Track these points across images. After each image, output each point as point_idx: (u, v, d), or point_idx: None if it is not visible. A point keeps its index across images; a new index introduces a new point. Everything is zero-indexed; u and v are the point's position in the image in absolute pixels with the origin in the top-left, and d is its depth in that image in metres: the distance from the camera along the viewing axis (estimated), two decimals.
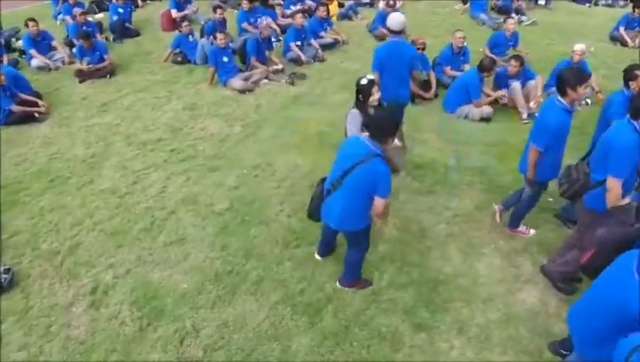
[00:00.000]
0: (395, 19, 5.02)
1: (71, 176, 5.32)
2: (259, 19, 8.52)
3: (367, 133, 3.35)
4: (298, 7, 10.56)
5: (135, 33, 10.05)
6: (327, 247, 4.03)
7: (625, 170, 3.11)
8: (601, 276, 2.36)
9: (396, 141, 3.36)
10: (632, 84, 4.19)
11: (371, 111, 3.97)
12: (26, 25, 8.19)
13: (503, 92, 6.64)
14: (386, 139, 3.18)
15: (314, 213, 3.62)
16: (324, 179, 3.58)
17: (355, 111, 4.00)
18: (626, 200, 3.13)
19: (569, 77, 3.52)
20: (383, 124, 3.18)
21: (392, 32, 5.06)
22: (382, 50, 5.15)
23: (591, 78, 5.87)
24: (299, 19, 8.52)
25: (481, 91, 6.49)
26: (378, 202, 3.16)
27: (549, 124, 3.64)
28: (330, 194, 3.34)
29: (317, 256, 4.08)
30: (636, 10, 9.59)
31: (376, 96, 3.87)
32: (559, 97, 3.59)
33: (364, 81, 3.98)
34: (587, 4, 13.03)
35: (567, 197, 3.60)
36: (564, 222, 4.49)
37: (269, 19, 8.76)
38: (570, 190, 3.46)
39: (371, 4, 12.16)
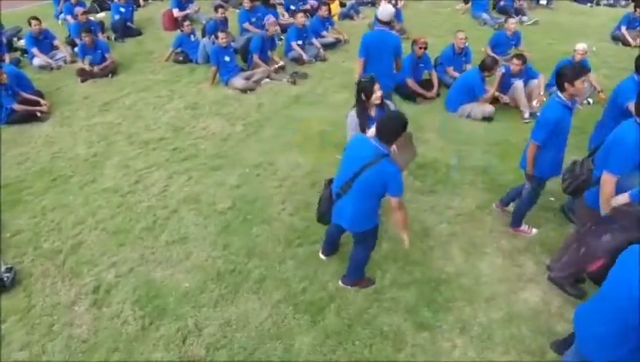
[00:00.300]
0: (384, 10, 5.22)
1: (73, 175, 5.32)
2: (266, 18, 8.53)
3: (369, 133, 3.34)
4: (300, 7, 10.56)
5: (137, 32, 10.07)
6: (331, 246, 4.03)
7: (622, 167, 3.11)
8: (608, 279, 2.34)
9: (394, 147, 3.33)
10: None
11: (373, 110, 3.96)
12: (29, 23, 8.20)
13: (502, 70, 6.64)
14: (393, 140, 3.17)
15: (324, 216, 3.60)
16: (330, 181, 3.58)
17: (353, 113, 3.98)
18: (625, 198, 3.11)
19: (566, 72, 3.57)
20: (391, 125, 3.14)
21: (380, 22, 5.25)
22: (368, 38, 5.37)
23: (590, 74, 5.89)
24: (300, 19, 8.52)
25: (484, 89, 6.50)
26: (393, 202, 3.17)
27: (547, 118, 3.70)
28: (341, 198, 3.34)
29: (321, 256, 4.07)
30: (638, 9, 9.59)
31: (378, 93, 3.85)
32: (559, 93, 3.63)
33: (365, 79, 3.97)
34: (589, 4, 13.03)
35: (569, 193, 3.61)
36: (569, 216, 4.48)
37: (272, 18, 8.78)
38: (573, 185, 3.48)
39: (373, 4, 12.17)
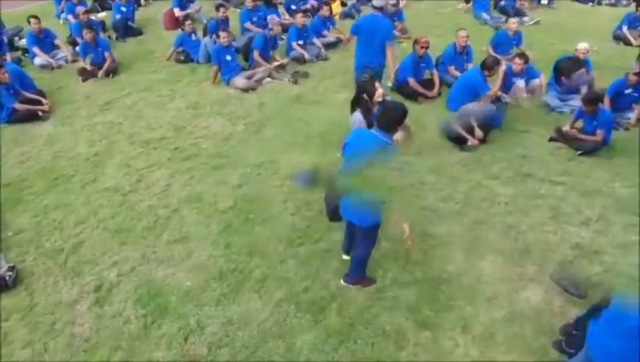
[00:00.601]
0: None
1: (75, 175, 5.32)
2: (269, 18, 8.52)
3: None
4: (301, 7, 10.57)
5: (138, 32, 10.05)
6: (351, 244, 3.96)
7: None
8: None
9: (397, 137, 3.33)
10: None
11: (376, 109, 3.94)
12: (29, 22, 8.20)
13: (503, 66, 6.65)
14: (395, 129, 3.17)
15: (335, 214, 3.58)
16: None
17: (358, 113, 3.97)
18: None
19: (563, 65, 3.57)
20: (392, 114, 3.14)
21: (374, 7, 5.81)
22: (361, 21, 6.09)
23: (591, 72, 5.90)
24: (299, 19, 8.51)
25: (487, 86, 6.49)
26: None
27: None
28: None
29: (344, 256, 4.01)
30: (639, 9, 9.57)
31: (380, 90, 3.85)
32: (558, 87, 3.63)
33: (365, 79, 3.95)
34: (590, 4, 13.00)
35: None
36: None
37: (276, 18, 8.80)
38: None
39: None
